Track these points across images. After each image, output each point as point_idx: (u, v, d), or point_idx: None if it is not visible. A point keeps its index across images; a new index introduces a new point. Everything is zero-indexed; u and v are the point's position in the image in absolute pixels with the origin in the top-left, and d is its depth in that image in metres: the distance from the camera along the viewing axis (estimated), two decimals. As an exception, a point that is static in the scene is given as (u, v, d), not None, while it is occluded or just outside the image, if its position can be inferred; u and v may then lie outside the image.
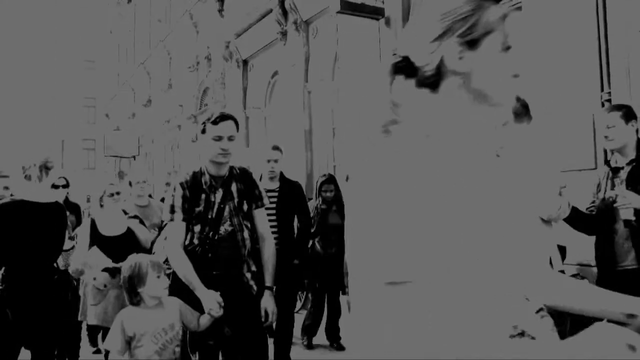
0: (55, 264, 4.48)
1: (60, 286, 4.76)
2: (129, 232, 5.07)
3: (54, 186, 5.79)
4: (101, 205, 5.15)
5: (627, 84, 5.57)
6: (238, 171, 3.75)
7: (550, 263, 3.66)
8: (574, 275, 5.59)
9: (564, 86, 6.04)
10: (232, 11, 14.33)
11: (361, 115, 9.39)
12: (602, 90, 5.76)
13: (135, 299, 3.43)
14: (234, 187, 3.65)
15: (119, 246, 4.81)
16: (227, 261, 3.57)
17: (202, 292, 3.38)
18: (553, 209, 3.57)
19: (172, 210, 3.54)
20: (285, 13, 11.85)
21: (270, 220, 4.14)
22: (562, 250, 5.58)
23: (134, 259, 3.54)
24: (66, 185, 5.98)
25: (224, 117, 3.56)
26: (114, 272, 4.69)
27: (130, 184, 6.54)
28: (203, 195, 3.57)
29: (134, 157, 23.78)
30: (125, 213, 5.31)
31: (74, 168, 35.14)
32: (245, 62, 14.36)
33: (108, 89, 31.20)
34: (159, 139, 21.25)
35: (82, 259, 4.88)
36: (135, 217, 5.35)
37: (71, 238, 5.47)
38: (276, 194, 5.57)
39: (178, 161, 18.77)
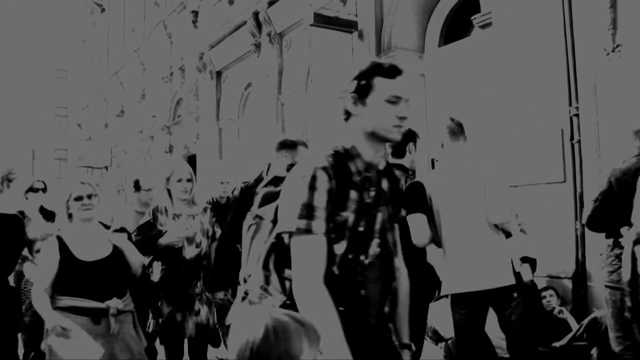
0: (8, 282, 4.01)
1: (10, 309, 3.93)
2: (116, 253, 3.59)
3: (33, 190, 5.61)
4: (69, 217, 3.57)
5: (594, 99, 5.66)
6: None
7: (513, 265, 3.69)
8: (544, 288, 5.64)
9: (533, 101, 6.12)
10: (206, 22, 14.30)
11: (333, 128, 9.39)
12: (570, 105, 5.85)
13: None
14: (384, 184, 2.27)
15: (103, 275, 3.47)
16: (376, 305, 2.22)
17: None
18: (505, 213, 3.64)
19: (308, 214, 2.01)
20: (259, 25, 11.86)
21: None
22: (532, 262, 5.63)
23: None
24: (45, 190, 5.71)
25: (399, 69, 2.15)
26: (98, 317, 3.40)
27: (137, 187, 5.28)
28: (353, 194, 2.12)
29: (106, 167, 23.53)
30: (106, 226, 3.76)
31: (45, 178, 34.54)
32: (219, 74, 14.31)
33: (80, 99, 30.84)
34: (131, 150, 21.04)
35: (51, 314, 3.37)
36: (122, 229, 3.81)
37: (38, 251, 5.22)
38: None
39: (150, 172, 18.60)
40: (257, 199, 2.34)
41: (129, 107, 21.43)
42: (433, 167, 8.04)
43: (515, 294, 3.68)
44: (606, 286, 3.74)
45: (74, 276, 3.40)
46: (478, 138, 6.01)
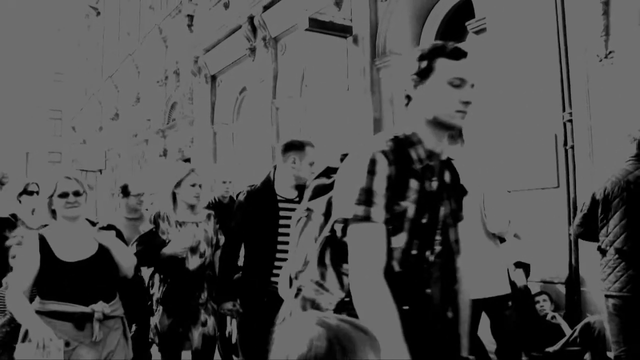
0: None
1: None
2: (102, 252, 3.26)
3: (28, 192, 5.52)
4: (52, 213, 3.29)
5: (587, 104, 5.68)
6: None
7: (509, 274, 3.69)
8: (538, 293, 5.65)
9: (527, 106, 6.14)
10: (201, 26, 14.30)
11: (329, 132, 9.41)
12: (563, 110, 5.88)
13: None
14: (447, 176, 2.10)
15: (88, 277, 3.17)
16: (439, 308, 2.02)
17: None
18: (503, 223, 3.63)
19: (367, 200, 1.84)
20: (254, 29, 11.87)
21: None
22: (526, 267, 5.65)
23: None
24: (39, 192, 5.64)
25: (463, 52, 1.98)
26: (81, 322, 3.12)
27: (126, 193, 5.16)
28: (413, 183, 1.92)
29: (100, 171, 23.47)
30: (92, 223, 3.43)
31: (39, 181, 34.41)
32: (213, 78, 14.31)
33: (75, 102, 30.77)
34: (125, 153, 20.99)
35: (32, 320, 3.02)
36: (110, 227, 3.50)
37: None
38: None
39: (145, 177, 18.58)
40: (308, 192, 2.15)
41: (124, 111, 21.39)
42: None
43: (510, 303, 3.68)
44: (607, 295, 3.75)
45: (55, 278, 3.12)
46: (472, 143, 6.02)
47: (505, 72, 6.42)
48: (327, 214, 2.00)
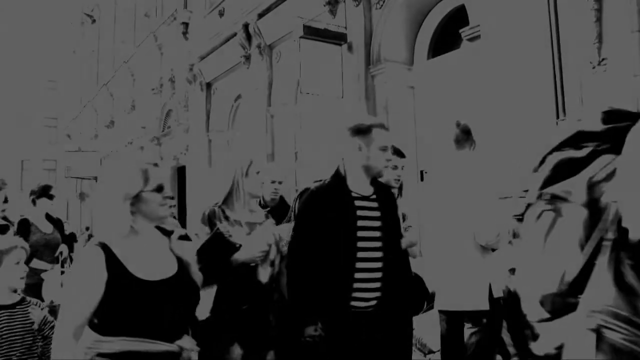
0: None
1: None
2: (183, 269, 2.35)
3: (49, 196, 5.39)
4: (129, 214, 2.24)
5: (580, 111, 5.70)
6: None
7: (490, 290, 3.57)
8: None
9: (521, 113, 6.15)
10: (197, 34, 14.32)
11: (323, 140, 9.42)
12: (557, 117, 5.89)
13: None
14: None
15: (172, 301, 2.24)
16: None
17: None
18: (491, 235, 3.54)
19: None
20: (249, 37, 11.88)
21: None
22: (521, 275, 5.64)
23: None
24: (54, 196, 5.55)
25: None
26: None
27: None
28: None
29: (95, 178, 23.41)
30: (164, 231, 2.45)
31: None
32: (208, 85, 14.31)
33: (70, 110, 30.74)
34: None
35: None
36: (187, 237, 2.86)
37: (55, 260, 5.01)
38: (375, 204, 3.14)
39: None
40: (544, 172, 1.58)
41: (119, 118, 21.37)
42: (422, 179, 8.06)
43: (484, 320, 3.58)
44: None
45: (130, 303, 2.13)
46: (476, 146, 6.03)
47: (499, 79, 6.44)
48: (592, 202, 1.37)
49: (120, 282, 2.12)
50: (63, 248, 5.36)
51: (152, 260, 2.24)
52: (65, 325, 2.09)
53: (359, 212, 2.98)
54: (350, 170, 3.08)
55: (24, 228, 5.11)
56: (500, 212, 3.77)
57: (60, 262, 5.17)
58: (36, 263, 4.94)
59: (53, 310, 3.57)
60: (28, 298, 3.18)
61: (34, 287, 4.32)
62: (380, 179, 3.21)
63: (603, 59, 5.52)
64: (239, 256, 3.01)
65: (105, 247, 2.16)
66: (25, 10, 39.84)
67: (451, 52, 8.13)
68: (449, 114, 7.65)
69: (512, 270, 5.55)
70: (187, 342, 2.26)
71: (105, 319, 2.14)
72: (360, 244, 2.94)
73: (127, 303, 2.13)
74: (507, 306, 5.31)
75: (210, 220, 3.13)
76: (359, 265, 2.93)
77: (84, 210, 26.21)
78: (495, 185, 3.96)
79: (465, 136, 3.66)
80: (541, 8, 6.02)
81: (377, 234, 3.00)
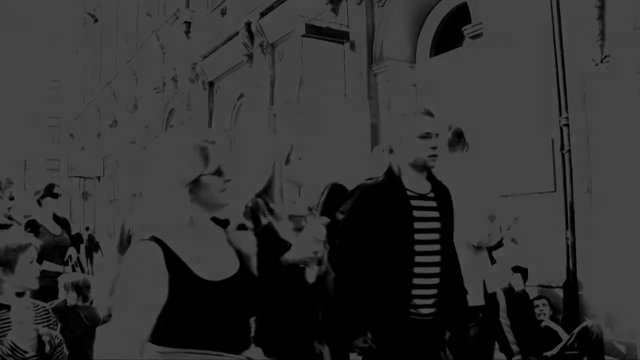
0: None
1: None
2: (244, 266, 1.94)
3: (53, 195, 5.27)
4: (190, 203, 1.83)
5: (583, 109, 5.70)
6: None
7: (484, 286, 3.53)
8: (537, 297, 5.65)
9: (524, 111, 6.16)
10: (199, 33, 14.32)
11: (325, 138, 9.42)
12: (560, 115, 5.89)
13: None
14: None
15: (238, 304, 1.84)
16: None
17: None
18: (482, 234, 3.52)
19: None
20: (251, 36, 11.88)
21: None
22: (524, 271, 5.65)
23: None
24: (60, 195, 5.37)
25: None
26: None
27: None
28: None
29: (98, 178, 23.45)
30: (219, 221, 1.96)
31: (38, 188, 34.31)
32: (211, 84, 14.32)
33: (73, 109, 30.76)
34: (124, 160, 20.98)
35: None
36: (244, 226, 2.18)
37: (65, 262, 4.91)
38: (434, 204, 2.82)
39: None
40: None
41: (122, 118, 21.39)
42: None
43: (480, 314, 3.54)
44: None
45: (195, 309, 1.74)
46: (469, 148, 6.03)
47: (502, 76, 6.44)
48: None
49: (183, 284, 1.73)
50: (72, 251, 5.20)
51: (213, 257, 1.84)
52: (131, 342, 1.68)
53: (416, 213, 2.70)
54: (403, 166, 2.76)
55: (33, 229, 5.00)
56: (496, 211, 3.74)
57: (71, 265, 5.07)
58: (47, 265, 4.79)
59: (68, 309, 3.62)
60: (37, 302, 2.85)
61: (46, 289, 4.01)
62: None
63: (606, 56, 5.51)
64: (289, 256, 2.65)
65: (160, 242, 1.75)
66: (28, 10, 39.87)
67: (454, 50, 8.13)
68: (452, 111, 7.68)
69: (515, 269, 5.58)
70: (255, 353, 1.89)
71: (163, 327, 1.73)
72: (418, 248, 2.67)
73: (191, 309, 1.74)
74: (510, 304, 5.34)
75: (253, 213, 2.71)
76: (417, 270, 2.66)
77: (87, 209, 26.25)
78: (490, 186, 3.92)
79: (457, 139, 3.66)
80: (544, 5, 6.02)
81: (436, 236, 2.71)
